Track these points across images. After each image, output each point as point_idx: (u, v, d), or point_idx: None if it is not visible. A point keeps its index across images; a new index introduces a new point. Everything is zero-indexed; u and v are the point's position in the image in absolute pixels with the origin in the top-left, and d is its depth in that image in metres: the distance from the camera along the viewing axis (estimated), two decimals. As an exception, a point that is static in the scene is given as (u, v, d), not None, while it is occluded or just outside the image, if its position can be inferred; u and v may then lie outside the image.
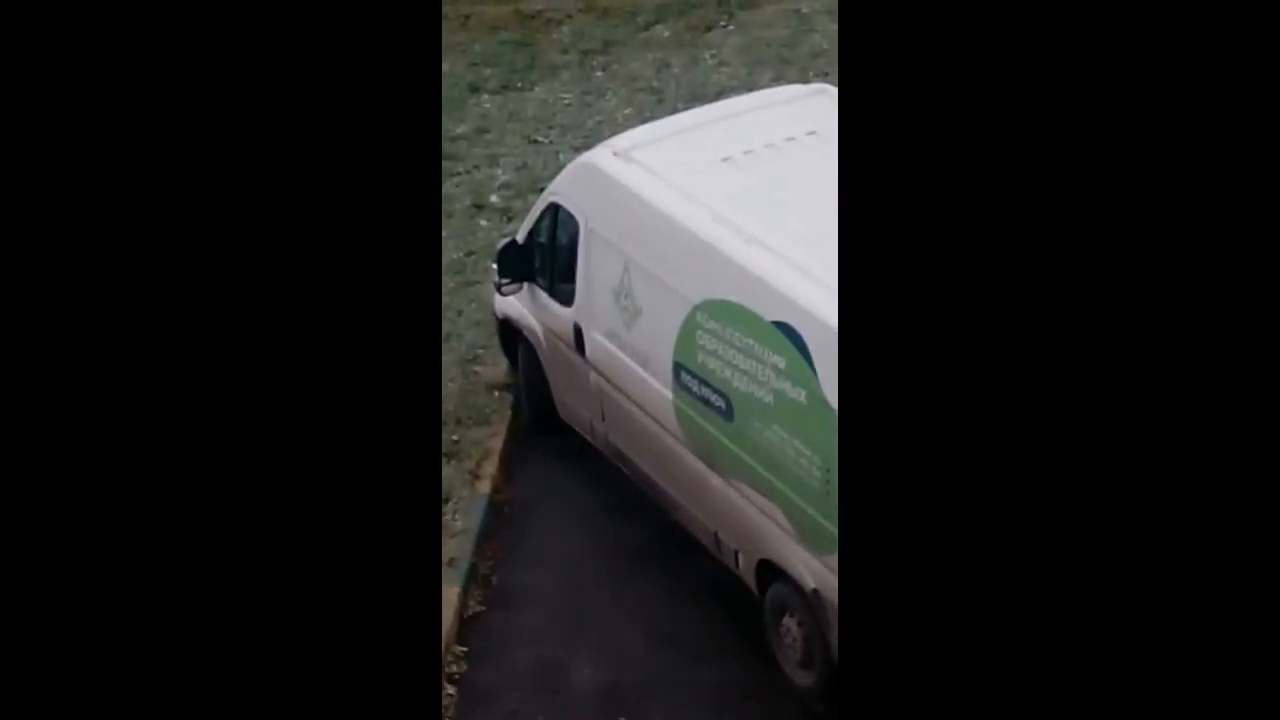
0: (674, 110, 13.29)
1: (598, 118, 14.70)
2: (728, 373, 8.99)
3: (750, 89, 13.22)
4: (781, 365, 8.60)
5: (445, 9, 14.64)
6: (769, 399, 8.73)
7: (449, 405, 11.02)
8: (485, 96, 15.26)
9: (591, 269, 10.09)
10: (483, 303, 12.01)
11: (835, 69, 14.78)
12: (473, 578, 9.98)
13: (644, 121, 12.10)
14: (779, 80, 14.28)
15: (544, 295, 10.63)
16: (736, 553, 9.44)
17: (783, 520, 8.85)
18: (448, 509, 10.29)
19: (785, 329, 8.56)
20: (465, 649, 9.53)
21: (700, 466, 9.46)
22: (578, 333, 10.33)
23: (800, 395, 8.52)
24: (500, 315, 11.28)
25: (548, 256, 10.56)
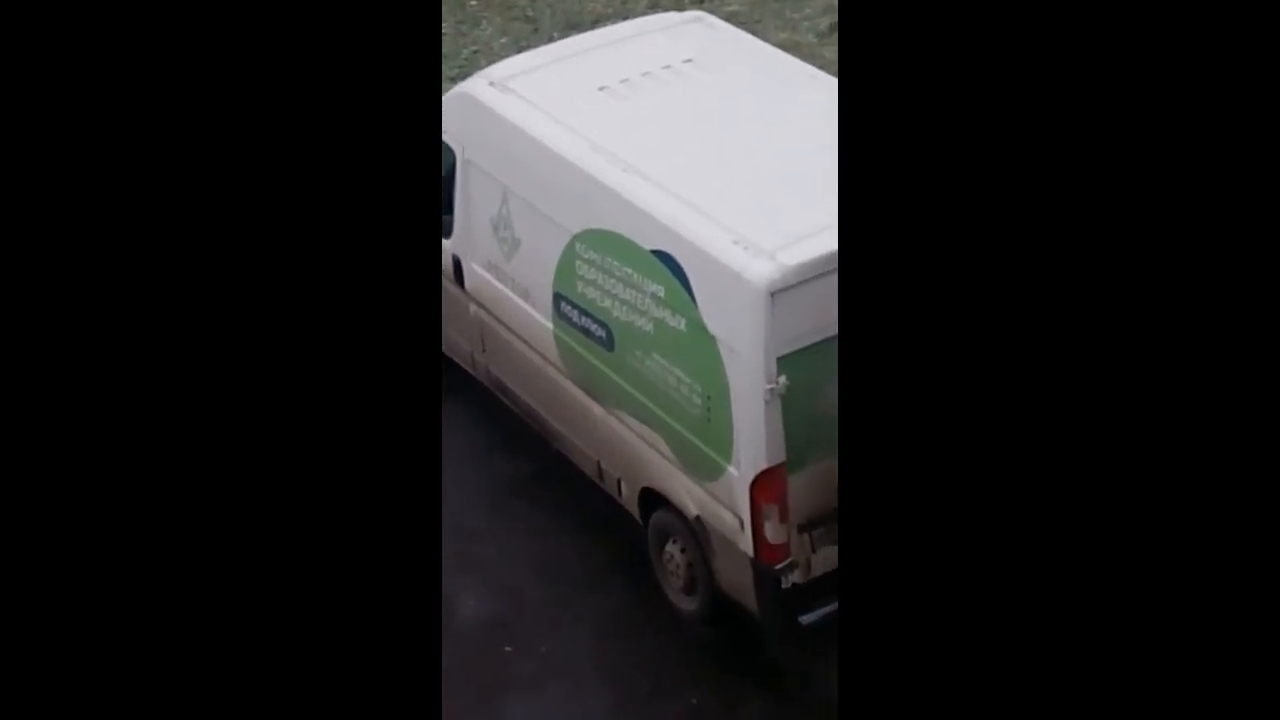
0: (550, 39, 13.21)
1: (473, 47, 14.57)
2: (607, 302, 8.99)
3: (626, 17, 13.16)
4: (661, 294, 8.61)
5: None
6: (649, 328, 8.75)
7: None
8: (359, 27, 15.08)
9: (469, 200, 10.03)
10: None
11: (711, -4, 14.80)
12: (356, 513, 9.96)
13: (520, 50, 12.02)
14: (655, 8, 14.23)
15: (422, 227, 10.56)
16: (619, 481, 9.49)
17: (664, 448, 8.90)
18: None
19: (664, 257, 8.57)
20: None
21: (582, 396, 9.47)
22: (457, 264, 10.28)
23: (680, 323, 8.55)
24: (378, 248, 11.21)
25: (425, 188, 10.49)
